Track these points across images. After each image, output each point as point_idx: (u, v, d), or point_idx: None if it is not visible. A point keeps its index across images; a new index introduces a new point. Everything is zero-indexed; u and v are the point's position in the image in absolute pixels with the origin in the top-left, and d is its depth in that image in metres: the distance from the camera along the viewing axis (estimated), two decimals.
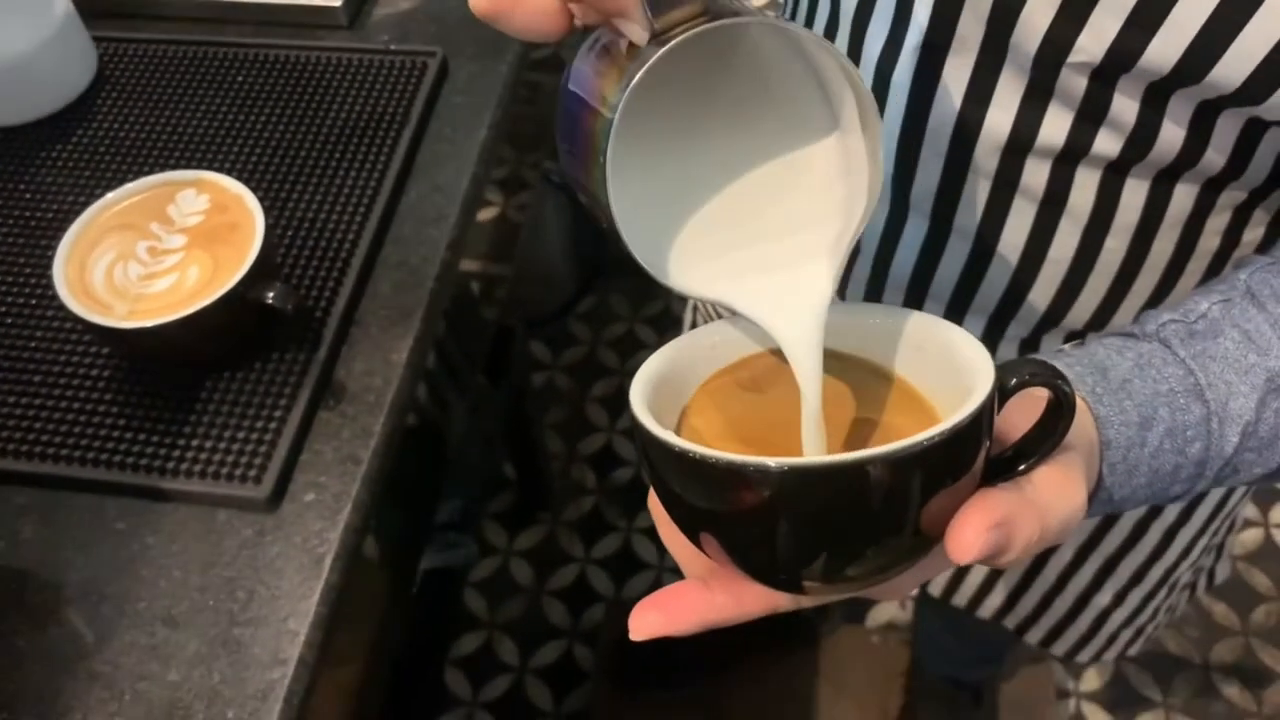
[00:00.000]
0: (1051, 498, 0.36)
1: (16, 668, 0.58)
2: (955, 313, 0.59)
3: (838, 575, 0.33)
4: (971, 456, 0.32)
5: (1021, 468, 0.36)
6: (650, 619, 0.36)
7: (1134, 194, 0.50)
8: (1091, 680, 1.36)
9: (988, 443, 0.33)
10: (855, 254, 0.60)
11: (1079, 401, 0.40)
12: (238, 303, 0.62)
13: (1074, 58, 0.45)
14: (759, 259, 0.35)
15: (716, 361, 0.38)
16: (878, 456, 0.30)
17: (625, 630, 0.36)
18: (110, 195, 0.67)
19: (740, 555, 0.34)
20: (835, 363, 0.38)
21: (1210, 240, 0.52)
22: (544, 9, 0.30)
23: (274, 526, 0.62)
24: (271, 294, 0.63)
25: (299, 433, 0.64)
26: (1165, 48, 0.42)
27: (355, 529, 0.62)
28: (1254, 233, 0.53)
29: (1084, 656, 0.83)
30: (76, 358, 0.68)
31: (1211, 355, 0.42)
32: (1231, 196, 0.50)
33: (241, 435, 0.64)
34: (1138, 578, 0.74)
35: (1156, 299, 0.55)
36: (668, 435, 0.32)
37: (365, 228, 0.72)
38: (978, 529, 0.32)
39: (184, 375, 0.66)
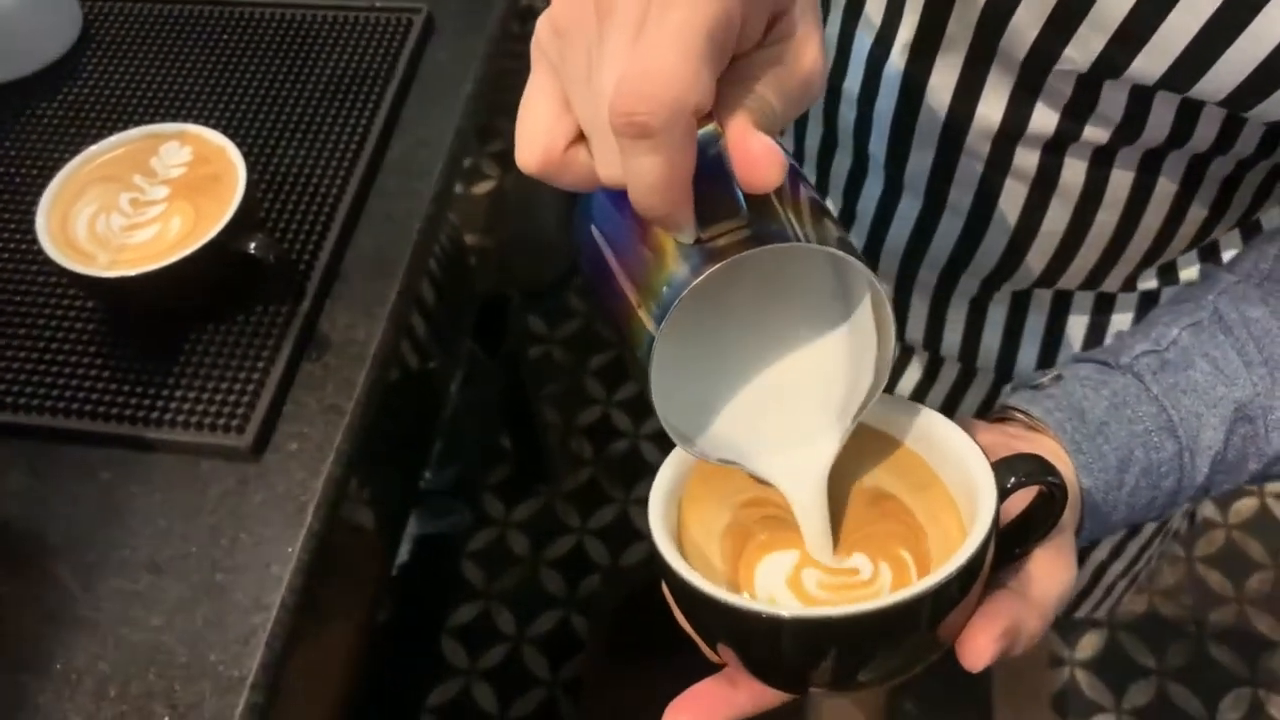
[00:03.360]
0: (1049, 585, 0.38)
1: (1, 616, 0.59)
2: (950, 277, 0.59)
3: (849, 686, 0.36)
4: (978, 576, 0.34)
5: (1018, 550, 0.38)
6: None
7: (1123, 172, 0.50)
8: (1086, 648, 1.36)
9: (992, 554, 0.35)
10: (850, 224, 0.61)
11: (1059, 450, 0.42)
12: (219, 252, 0.62)
13: (1061, 66, 0.45)
14: (772, 428, 0.37)
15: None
16: (891, 605, 0.32)
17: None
18: (93, 148, 0.67)
19: (754, 670, 0.37)
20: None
21: (1200, 209, 0.52)
22: (591, 173, 0.31)
23: (257, 475, 0.62)
24: (254, 244, 0.63)
25: (282, 383, 0.64)
26: (1150, 63, 0.42)
27: (338, 479, 0.63)
28: (1243, 199, 0.53)
29: (1083, 611, 0.84)
30: (61, 311, 0.68)
31: (1183, 388, 0.43)
32: (1220, 167, 0.50)
33: (225, 386, 0.64)
34: (1134, 529, 0.75)
35: (1148, 262, 0.56)
36: (691, 575, 0.34)
37: (349, 181, 0.72)
38: (988, 640, 0.35)
39: (167, 326, 0.67)
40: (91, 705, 0.56)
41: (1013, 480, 0.35)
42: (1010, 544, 0.37)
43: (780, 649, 0.34)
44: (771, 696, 0.39)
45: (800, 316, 0.37)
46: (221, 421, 0.63)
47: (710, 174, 0.30)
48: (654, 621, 0.46)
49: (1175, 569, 1.41)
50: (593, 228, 0.35)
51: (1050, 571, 0.38)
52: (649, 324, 0.32)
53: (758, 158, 0.29)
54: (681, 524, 0.38)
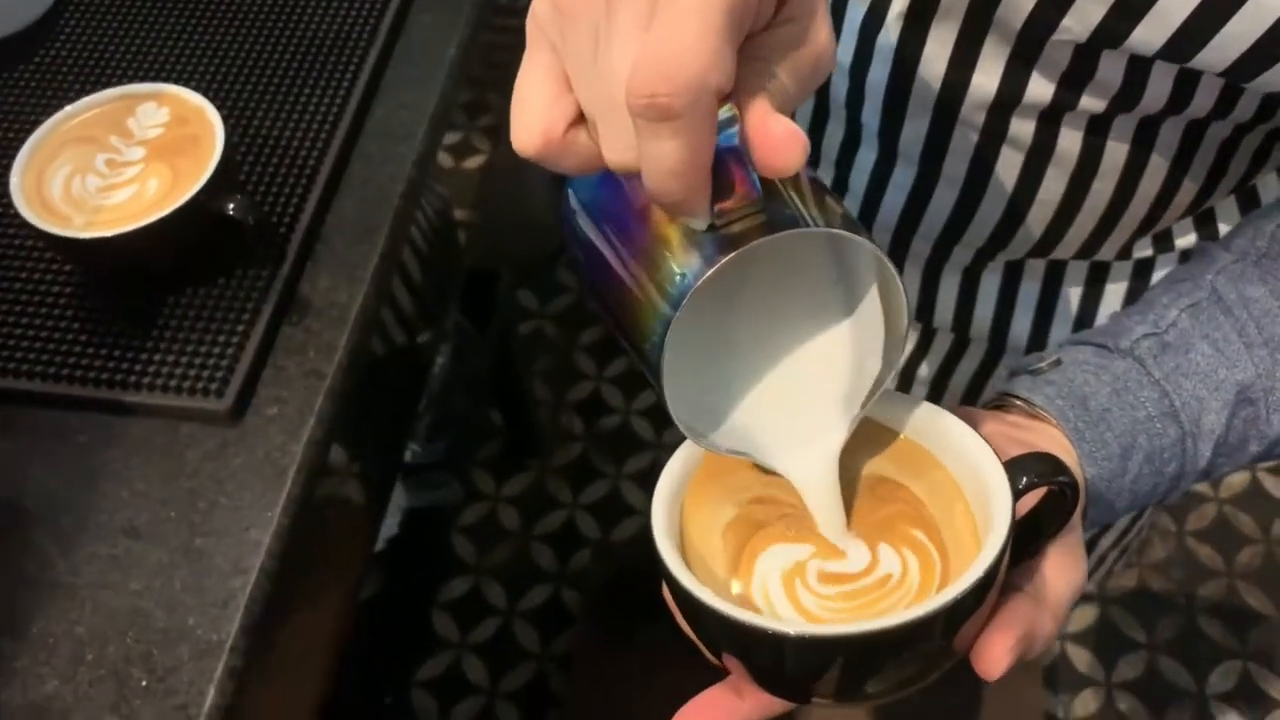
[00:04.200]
0: (1062, 586, 0.37)
1: None
2: (943, 247, 0.58)
3: (857, 698, 0.35)
4: (994, 584, 0.33)
5: (1030, 549, 0.37)
6: None
7: (1120, 140, 0.49)
8: (1077, 621, 1.36)
9: (1007, 561, 0.34)
10: (843, 194, 0.60)
11: (1061, 438, 0.41)
12: (197, 213, 0.61)
13: (1058, 36, 0.44)
14: (779, 416, 0.37)
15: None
16: (902, 624, 0.31)
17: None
18: (68, 108, 0.66)
19: (760, 681, 0.36)
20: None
21: (1197, 175, 0.52)
22: (593, 156, 0.30)
23: (236, 439, 0.62)
24: (232, 205, 0.62)
25: (262, 347, 0.64)
26: (1150, 34, 0.41)
27: (318, 442, 0.62)
28: (1240, 164, 0.53)
29: None
30: (38, 274, 0.67)
31: (1184, 372, 0.43)
32: (1217, 132, 0.50)
33: (204, 349, 0.63)
34: None
35: (1144, 230, 0.55)
36: (696, 587, 0.33)
37: (330, 145, 0.71)
38: (1004, 649, 0.34)
39: (146, 289, 0.66)
40: (68, 669, 0.55)
41: (1025, 481, 0.35)
42: (1022, 544, 0.37)
43: (785, 664, 0.33)
44: (778, 704, 0.38)
45: (804, 300, 0.36)
46: (200, 385, 0.62)
47: (723, 156, 0.29)
48: (644, 596, 0.45)
49: (1166, 543, 1.41)
50: (585, 212, 0.34)
51: (1062, 571, 0.38)
52: (659, 314, 0.31)
53: (781, 141, 0.28)
54: (683, 526, 0.38)
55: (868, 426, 0.38)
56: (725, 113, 0.28)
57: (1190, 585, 1.38)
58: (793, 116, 0.61)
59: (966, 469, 0.36)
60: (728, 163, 0.29)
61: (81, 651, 0.56)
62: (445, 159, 1.77)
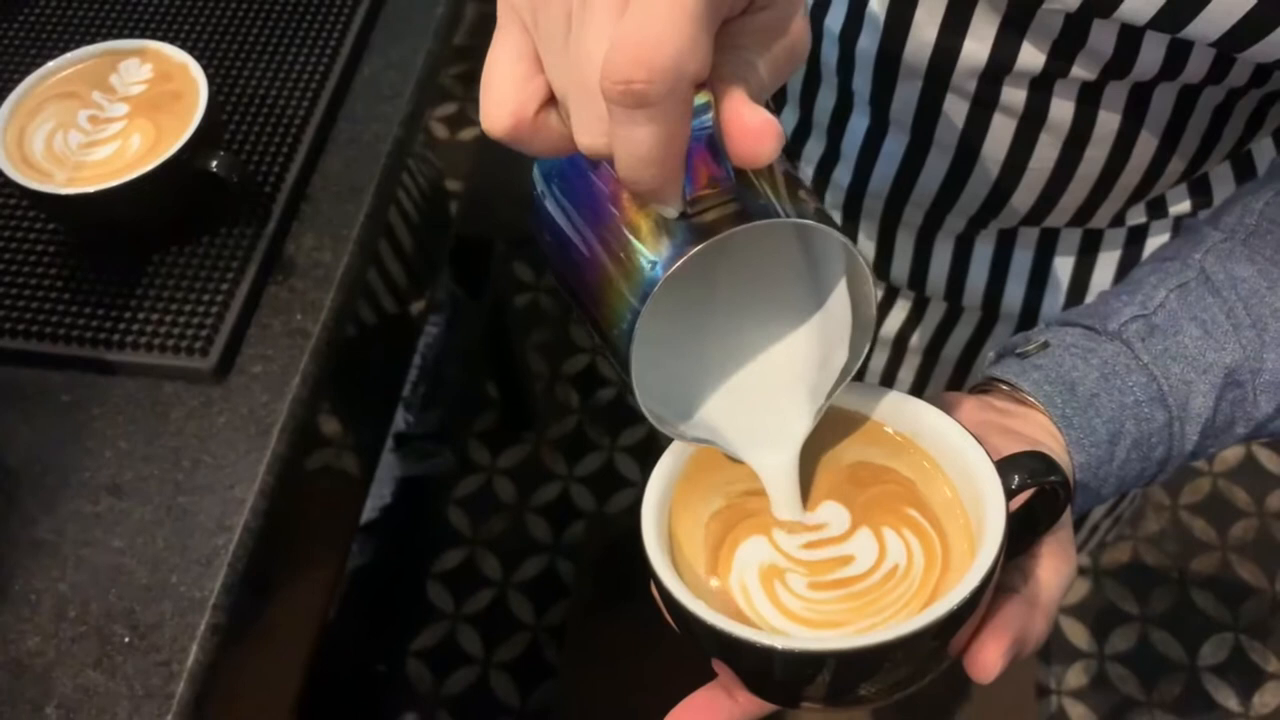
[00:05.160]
0: (1053, 584, 0.37)
1: None
2: (936, 215, 0.58)
3: (847, 704, 0.35)
4: (988, 590, 0.33)
5: (1021, 546, 0.37)
6: None
7: (1113, 107, 0.49)
8: (1070, 594, 1.36)
9: (1001, 565, 0.34)
10: (835, 161, 0.60)
11: (1049, 424, 0.41)
12: (181, 170, 0.61)
13: (1049, 5, 0.44)
14: (744, 405, 0.36)
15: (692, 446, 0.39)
16: (892, 640, 0.31)
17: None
18: (50, 64, 0.65)
19: (749, 687, 0.36)
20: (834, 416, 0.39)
21: (1191, 141, 0.51)
22: (563, 139, 0.29)
23: (221, 398, 0.61)
24: (215, 162, 0.62)
25: (246, 306, 0.63)
26: (1141, 4, 0.41)
27: (303, 401, 0.62)
28: (1235, 128, 0.52)
29: None
30: (21, 232, 0.67)
31: (1172, 355, 0.43)
32: (1211, 97, 0.49)
33: (188, 308, 0.63)
34: None
35: (1138, 197, 0.55)
36: (686, 597, 0.33)
37: (317, 104, 0.70)
38: (997, 654, 0.34)
39: (129, 247, 0.65)
40: (51, 626, 0.55)
41: (1017, 481, 0.34)
42: (1013, 543, 0.36)
43: (774, 674, 0.33)
44: (771, 705, 0.38)
45: (773, 290, 0.36)
46: (185, 344, 0.62)
47: (696, 144, 0.28)
48: (637, 568, 0.45)
49: (1160, 516, 1.41)
50: (552, 196, 0.34)
51: (1054, 569, 0.38)
52: (628, 302, 0.30)
53: (756, 131, 0.28)
54: (671, 521, 0.37)
55: (854, 422, 0.38)
56: (699, 100, 0.28)
57: (1183, 559, 1.38)
58: (778, 94, 0.60)
59: (958, 470, 0.36)
60: (701, 150, 0.29)
61: (64, 608, 0.56)
62: (440, 130, 1.76)
